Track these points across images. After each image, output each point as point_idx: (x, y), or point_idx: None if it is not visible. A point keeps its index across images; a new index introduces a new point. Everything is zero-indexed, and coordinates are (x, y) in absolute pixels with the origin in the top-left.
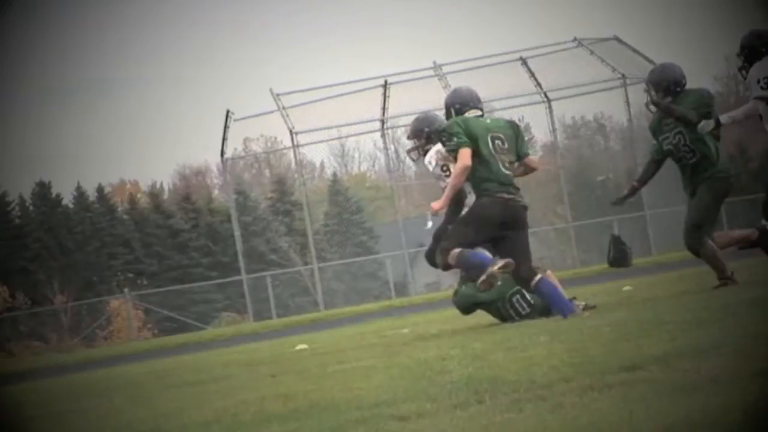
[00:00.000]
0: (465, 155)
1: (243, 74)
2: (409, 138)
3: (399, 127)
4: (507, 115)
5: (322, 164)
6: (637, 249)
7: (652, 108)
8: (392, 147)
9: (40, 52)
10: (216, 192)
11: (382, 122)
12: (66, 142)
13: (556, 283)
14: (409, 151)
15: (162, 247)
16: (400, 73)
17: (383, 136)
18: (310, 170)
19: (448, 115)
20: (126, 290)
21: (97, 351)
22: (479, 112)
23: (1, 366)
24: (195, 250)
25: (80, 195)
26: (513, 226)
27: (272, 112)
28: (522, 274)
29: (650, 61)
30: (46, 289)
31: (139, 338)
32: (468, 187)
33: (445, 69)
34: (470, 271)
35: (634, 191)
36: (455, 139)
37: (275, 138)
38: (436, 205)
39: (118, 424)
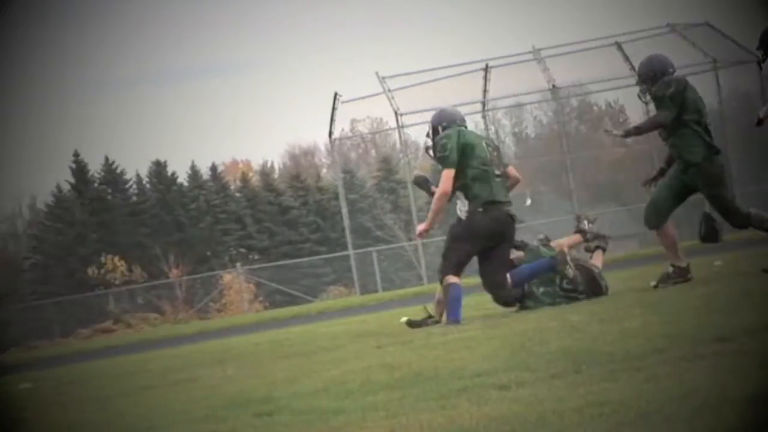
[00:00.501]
0: (447, 179)
1: (350, 59)
2: (428, 136)
3: (499, 109)
4: (603, 97)
5: (425, 144)
6: (728, 226)
7: (646, 100)
8: (492, 128)
9: (158, 37)
10: (324, 171)
11: (483, 104)
12: (182, 123)
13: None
14: (427, 149)
15: (273, 224)
16: (500, 57)
17: (484, 117)
18: (414, 150)
19: (434, 135)
20: (238, 265)
21: (211, 323)
22: (462, 127)
23: (120, 337)
24: (304, 226)
25: (194, 173)
26: (502, 238)
27: (378, 94)
28: (499, 279)
29: (740, 46)
30: (162, 264)
31: (250, 310)
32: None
33: (543, 53)
34: (447, 308)
35: (662, 173)
36: (447, 153)
37: (381, 119)
38: (421, 227)
39: (231, 392)
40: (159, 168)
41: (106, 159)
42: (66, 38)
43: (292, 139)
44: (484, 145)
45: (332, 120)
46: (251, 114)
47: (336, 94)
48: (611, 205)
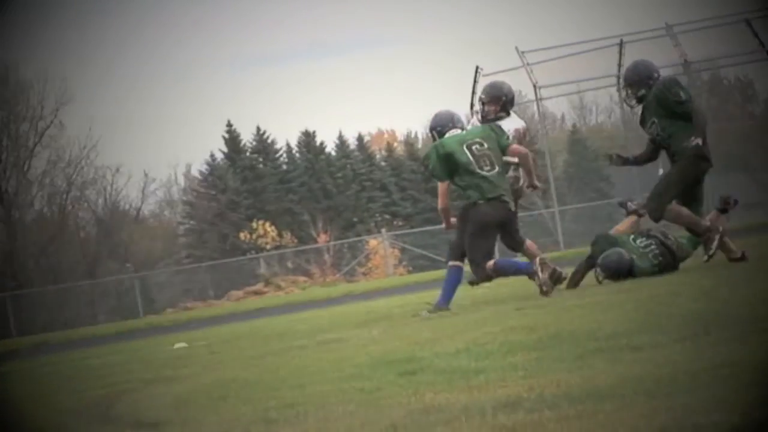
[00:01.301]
0: (442, 193)
1: (490, 33)
2: (482, 102)
3: None
4: (732, 72)
5: (562, 116)
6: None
7: (633, 103)
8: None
9: (309, 15)
10: None
11: (618, 78)
12: (330, 95)
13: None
14: (482, 114)
15: (416, 191)
16: (634, 33)
17: (619, 90)
18: (552, 122)
19: (433, 138)
20: (383, 230)
21: (357, 285)
22: (458, 131)
23: (270, 299)
24: None
25: (342, 143)
26: (502, 226)
27: (517, 68)
28: (478, 259)
29: None
30: (311, 229)
31: (394, 274)
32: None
33: (675, 29)
34: (513, 274)
35: (626, 162)
36: (432, 168)
37: (520, 92)
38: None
39: (376, 352)
40: (308, 138)
41: (258, 129)
42: (223, 17)
43: (434, 110)
44: (464, 148)
45: (473, 92)
46: (396, 86)
47: (477, 68)
48: (740, 175)
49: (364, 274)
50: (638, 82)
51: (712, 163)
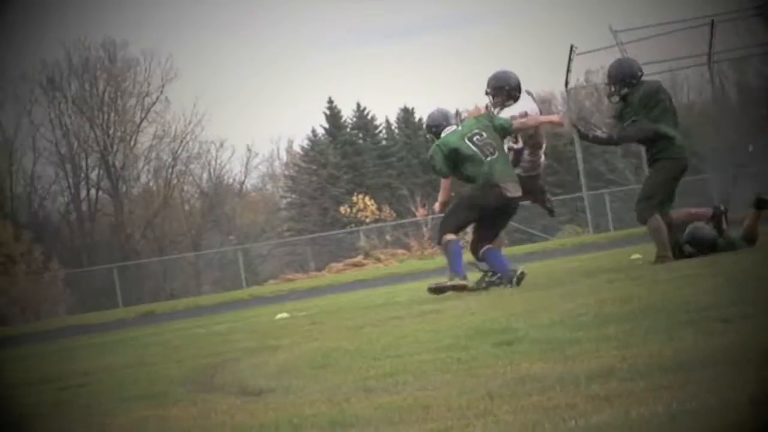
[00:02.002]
0: (445, 188)
1: (586, 12)
2: (487, 94)
3: (723, 61)
4: None
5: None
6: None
7: (613, 99)
8: (717, 79)
9: None
10: None
11: (709, 57)
12: (428, 72)
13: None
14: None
15: None
16: (725, 13)
17: (710, 69)
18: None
19: (431, 137)
20: None
21: None
22: (453, 127)
23: (370, 271)
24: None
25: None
26: (497, 213)
27: (611, 46)
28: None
29: None
30: (409, 203)
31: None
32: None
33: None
34: (450, 263)
35: (584, 137)
36: (438, 167)
37: None
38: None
39: (473, 323)
40: (407, 114)
41: (358, 105)
42: None
43: (530, 88)
44: (467, 141)
45: (568, 71)
46: (492, 64)
47: (572, 47)
48: None
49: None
50: (621, 80)
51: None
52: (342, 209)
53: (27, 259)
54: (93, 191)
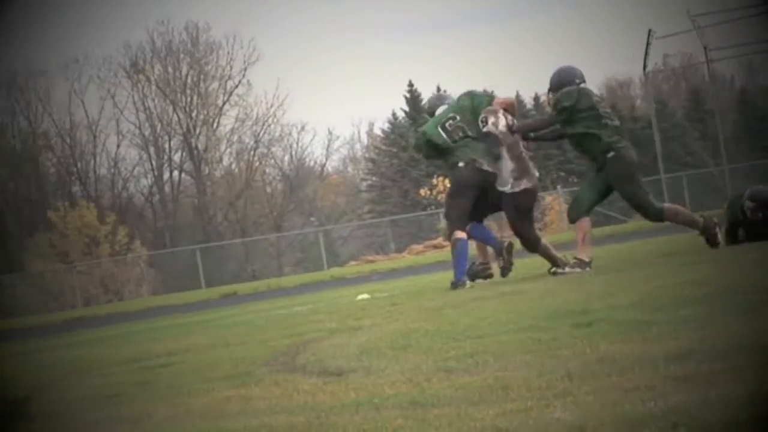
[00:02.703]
0: None
1: None
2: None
3: None
4: None
5: (732, 78)
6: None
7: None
8: None
9: None
10: (638, 102)
11: None
12: (510, 56)
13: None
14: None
15: None
16: None
17: None
18: (722, 83)
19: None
20: (558, 187)
21: None
22: (445, 106)
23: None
24: None
25: (519, 103)
26: (482, 189)
27: (689, 31)
28: (452, 217)
29: None
30: None
31: (569, 230)
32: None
33: None
34: (453, 261)
35: (527, 136)
36: (425, 156)
37: (691, 54)
38: None
39: (552, 305)
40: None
41: (438, 89)
42: None
43: (609, 71)
44: (439, 129)
45: (646, 54)
46: (573, 49)
47: (650, 31)
48: None
49: (540, 229)
50: (559, 88)
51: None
52: (422, 191)
53: (111, 241)
54: (176, 173)
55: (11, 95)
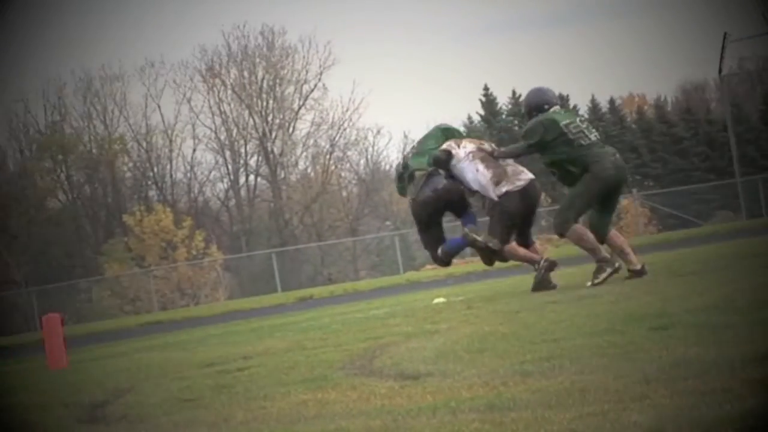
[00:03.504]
0: None
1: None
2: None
3: None
4: None
5: None
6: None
7: None
8: None
9: None
10: (713, 105)
11: None
12: (584, 60)
13: None
14: None
15: (666, 153)
16: None
17: None
18: None
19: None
20: (634, 191)
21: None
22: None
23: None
24: (694, 155)
25: (594, 106)
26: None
27: (765, 34)
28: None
29: None
30: (564, 188)
31: (645, 233)
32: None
33: None
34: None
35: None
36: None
37: (767, 57)
38: None
39: (628, 308)
40: (561, 101)
41: (513, 92)
42: None
43: (683, 75)
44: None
45: (722, 58)
46: (648, 52)
47: (725, 34)
48: None
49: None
50: (529, 112)
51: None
52: None
53: (187, 245)
54: (252, 177)
55: (87, 100)
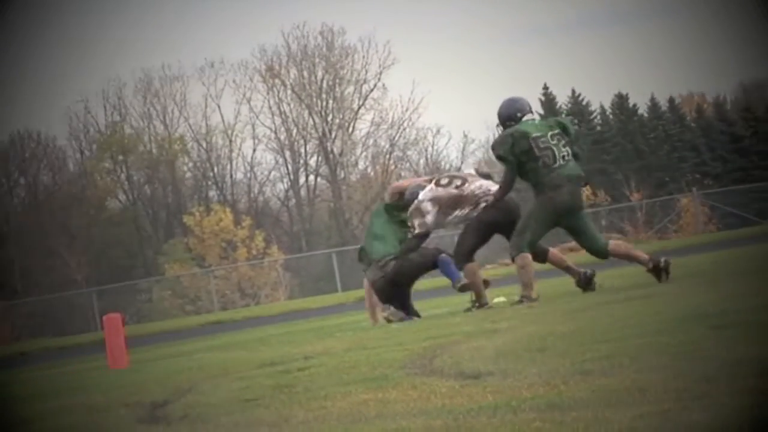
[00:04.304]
0: None
1: None
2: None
3: None
4: None
5: None
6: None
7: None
8: None
9: None
10: None
11: None
12: (641, 59)
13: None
14: None
15: (725, 152)
16: None
17: None
18: None
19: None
20: (694, 189)
21: (670, 242)
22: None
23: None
24: (754, 154)
25: (654, 105)
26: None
27: None
28: None
29: None
30: (624, 188)
31: (705, 231)
32: None
33: None
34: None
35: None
36: None
37: None
38: None
39: (689, 306)
40: (621, 100)
41: (573, 92)
42: None
43: (742, 74)
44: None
45: None
46: (707, 50)
47: None
48: None
49: (675, 231)
50: (502, 123)
51: (568, 203)
52: None
53: (248, 245)
54: (312, 177)
55: (147, 100)
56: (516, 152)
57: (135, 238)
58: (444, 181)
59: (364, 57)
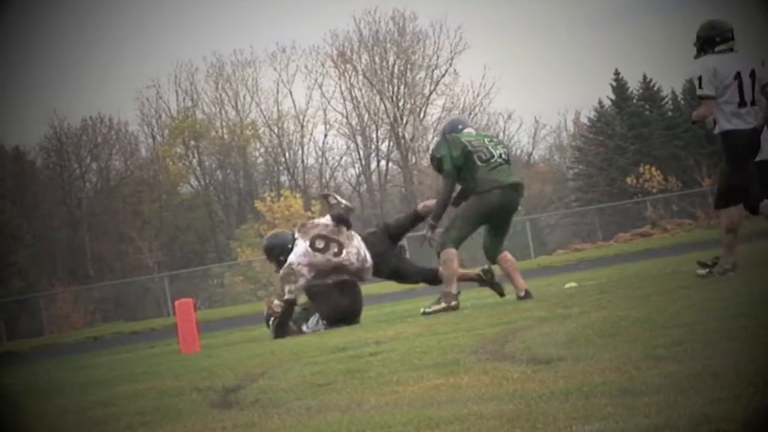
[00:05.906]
0: None
1: None
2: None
3: None
4: None
5: None
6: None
7: None
8: None
9: None
10: None
11: None
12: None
13: None
14: None
15: None
16: None
17: None
18: None
19: None
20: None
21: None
22: None
23: (657, 240)
24: None
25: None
26: None
27: None
28: None
29: None
30: (695, 173)
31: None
32: None
33: None
34: None
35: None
36: None
37: None
38: None
39: (755, 291)
40: (692, 86)
41: (644, 77)
42: None
43: None
44: None
45: None
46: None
47: None
48: None
49: (747, 217)
50: (443, 135)
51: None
52: (629, 179)
53: None
54: (383, 163)
55: (219, 85)
56: (454, 155)
57: (207, 224)
58: (320, 245)
59: (435, 42)
